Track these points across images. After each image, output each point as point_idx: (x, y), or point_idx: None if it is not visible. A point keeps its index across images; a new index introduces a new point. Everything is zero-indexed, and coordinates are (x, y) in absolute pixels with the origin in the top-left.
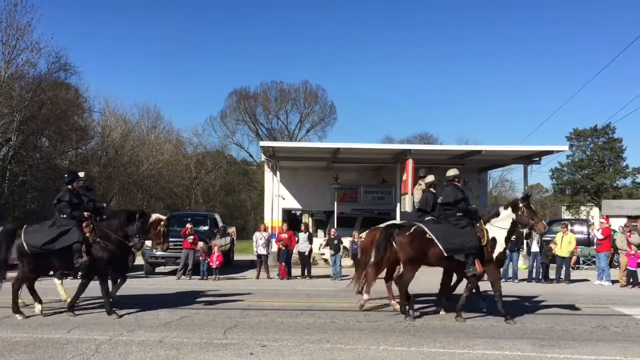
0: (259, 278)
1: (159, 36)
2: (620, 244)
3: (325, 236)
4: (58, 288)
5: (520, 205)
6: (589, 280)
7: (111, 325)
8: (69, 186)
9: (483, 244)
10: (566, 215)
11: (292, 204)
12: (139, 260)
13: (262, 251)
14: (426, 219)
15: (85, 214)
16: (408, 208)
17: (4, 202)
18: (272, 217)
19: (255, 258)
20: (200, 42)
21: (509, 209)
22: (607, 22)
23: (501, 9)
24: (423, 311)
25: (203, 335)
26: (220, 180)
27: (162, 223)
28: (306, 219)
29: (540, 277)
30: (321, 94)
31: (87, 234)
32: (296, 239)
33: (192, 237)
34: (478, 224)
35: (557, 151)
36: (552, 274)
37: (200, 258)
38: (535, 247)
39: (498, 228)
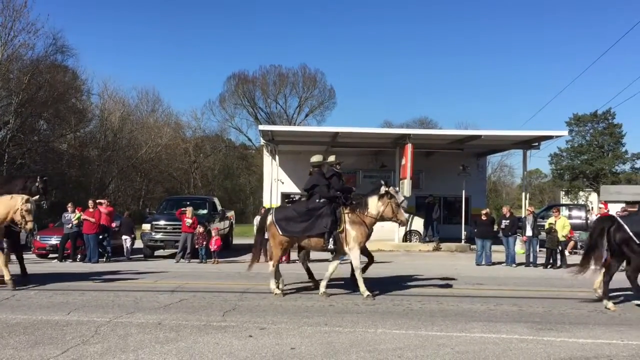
0: (258, 262)
1: (158, 19)
2: None
3: None
4: None
5: None
6: None
7: (110, 308)
8: None
9: None
10: (564, 200)
11: (291, 188)
12: (138, 244)
13: None
14: None
15: None
16: (407, 193)
17: None
18: (271, 201)
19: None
20: (198, 25)
21: None
22: (607, 8)
23: None
24: (420, 293)
25: (202, 318)
26: (219, 164)
27: None
28: None
29: (546, 264)
30: (320, 77)
31: None
32: None
33: (190, 220)
34: None
35: (556, 136)
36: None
37: (197, 242)
38: (529, 232)
39: None
